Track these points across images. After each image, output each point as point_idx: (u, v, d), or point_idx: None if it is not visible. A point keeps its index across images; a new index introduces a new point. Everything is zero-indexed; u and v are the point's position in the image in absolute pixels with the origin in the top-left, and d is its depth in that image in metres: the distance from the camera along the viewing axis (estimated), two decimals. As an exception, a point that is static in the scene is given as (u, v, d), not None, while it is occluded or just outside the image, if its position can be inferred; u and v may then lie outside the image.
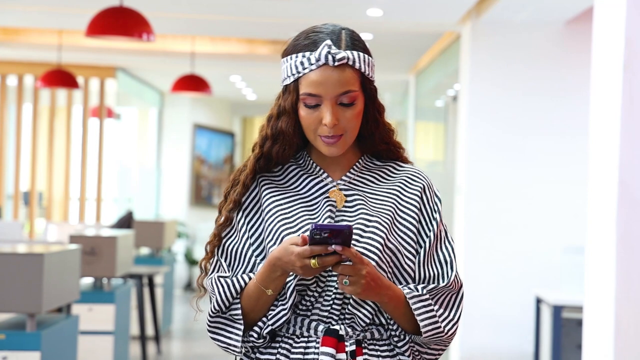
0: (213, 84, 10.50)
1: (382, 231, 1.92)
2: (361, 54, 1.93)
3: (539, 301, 6.44)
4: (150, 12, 6.70)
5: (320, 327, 1.91)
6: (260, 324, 1.94)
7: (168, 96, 12.88)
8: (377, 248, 1.90)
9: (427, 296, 1.92)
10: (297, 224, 1.93)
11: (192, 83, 8.79)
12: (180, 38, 9.29)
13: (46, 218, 10.97)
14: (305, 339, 1.92)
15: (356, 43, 1.94)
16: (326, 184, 1.99)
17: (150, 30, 5.57)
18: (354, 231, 1.90)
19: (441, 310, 1.93)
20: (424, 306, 1.91)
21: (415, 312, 1.90)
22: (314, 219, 1.95)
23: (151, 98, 12.55)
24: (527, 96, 6.99)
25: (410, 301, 1.90)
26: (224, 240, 1.99)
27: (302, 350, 1.91)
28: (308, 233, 1.82)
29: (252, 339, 1.94)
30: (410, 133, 10.66)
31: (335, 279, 1.90)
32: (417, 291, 1.92)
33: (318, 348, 1.90)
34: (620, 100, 3.26)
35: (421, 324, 1.90)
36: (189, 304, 10.93)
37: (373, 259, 1.89)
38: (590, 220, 3.52)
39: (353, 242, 1.89)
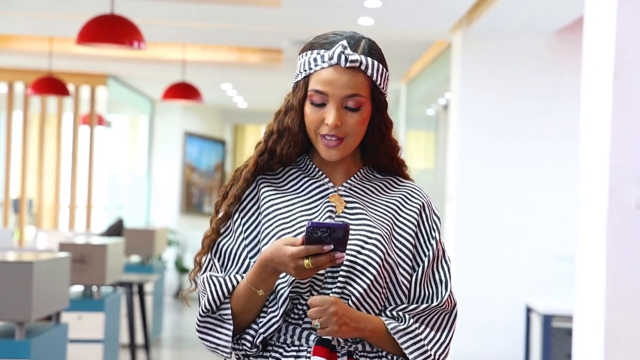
0: (204, 92, 10.49)
1: (383, 245, 1.90)
2: (376, 62, 1.93)
3: (529, 310, 6.44)
4: (141, 19, 6.69)
5: (312, 337, 1.89)
6: (252, 332, 1.91)
7: (159, 104, 12.87)
8: (377, 262, 1.89)
9: (412, 322, 1.91)
10: (295, 228, 1.91)
11: (183, 91, 8.79)
12: (171, 46, 9.29)
13: (36, 226, 10.95)
14: (296, 348, 1.90)
15: (373, 52, 1.94)
16: (327, 188, 1.98)
17: (141, 38, 5.57)
18: (355, 242, 1.89)
19: (432, 334, 1.92)
20: (411, 338, 1.90)
21: (403, 346, 1.89)
22: None
23: (142, 106, 12.54)
24: (517, 105, 7.01)
25: (396, 336, 1.89)
26: (218, 239, 1.97)
27: (292, 359, 1.89)
28: (304, 232, 1.80)
29: (245, 347, 1.92)
30: (401, 142, 10.65)
31: (329, 287, 1.89)
32: (402, 321, 1.91)
33: (309, 358, 1.88)
34: (611, 109, 3.27)
35: (410, 356, 1.90)
36: (179, 312, 10.98)
37: (372, 273, 1.88)
38: (581, 228, 3.52)
39: (353, 254, 1.87)
